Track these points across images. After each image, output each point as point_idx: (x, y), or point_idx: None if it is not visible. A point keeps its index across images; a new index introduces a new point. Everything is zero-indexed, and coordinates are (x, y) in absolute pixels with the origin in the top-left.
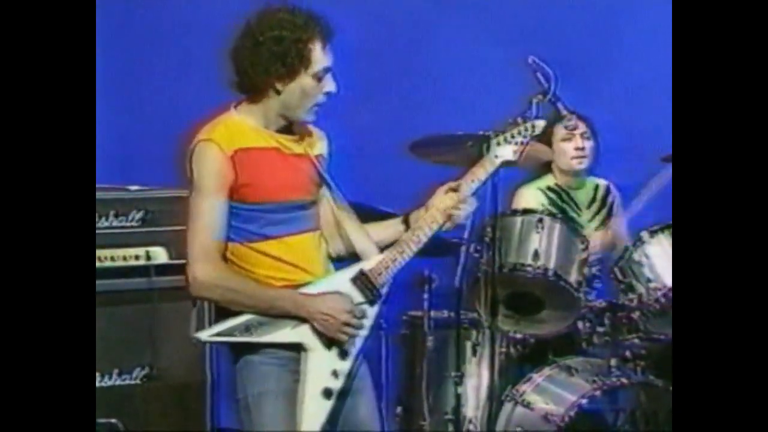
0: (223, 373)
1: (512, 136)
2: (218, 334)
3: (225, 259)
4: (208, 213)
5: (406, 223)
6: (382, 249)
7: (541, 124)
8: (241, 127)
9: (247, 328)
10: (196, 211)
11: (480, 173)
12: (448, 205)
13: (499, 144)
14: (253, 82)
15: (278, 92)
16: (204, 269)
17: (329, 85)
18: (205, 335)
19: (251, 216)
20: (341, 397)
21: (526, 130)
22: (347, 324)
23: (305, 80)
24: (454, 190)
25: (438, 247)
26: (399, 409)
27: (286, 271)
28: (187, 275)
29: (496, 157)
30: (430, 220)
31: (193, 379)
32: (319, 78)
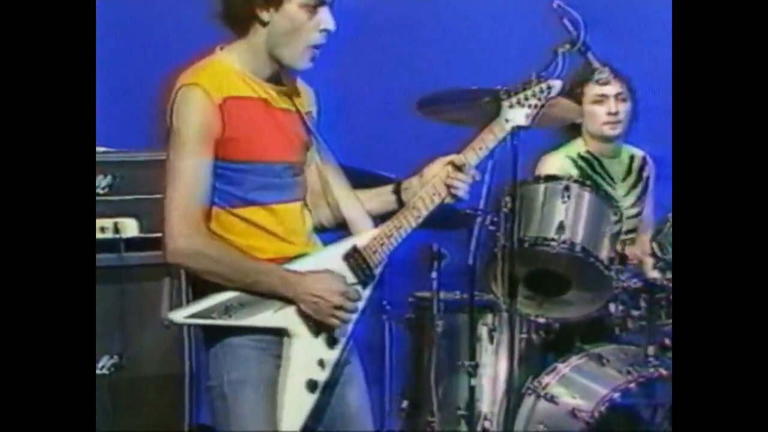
0: (204, 362)
1: (525, 98)
2: (194, 316)
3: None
4: (192, 170)
5: (398, 192)
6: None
7: (557, 84)
8: (228, 71)
9: (226, 310)
10: (178, 167)
11: (489, 140)
12: (449, 176)
13: (511, 107)
14: (235, 10)
15: (263, 23)
16: (185, 235)
17: (325, 21)
18: (179, 316)
19: (236, 177)
20: (327, 389)
21: (542, 91)
22: (340, 307)
23: (292, 9)
24: (456, 166)
25: (449, 218)
26: (404, 404)
27: (271, 242)
28: (164, 241)
29: (507, 121)
30: (431, 192)
31: (169, 370)
32: (309, 9)
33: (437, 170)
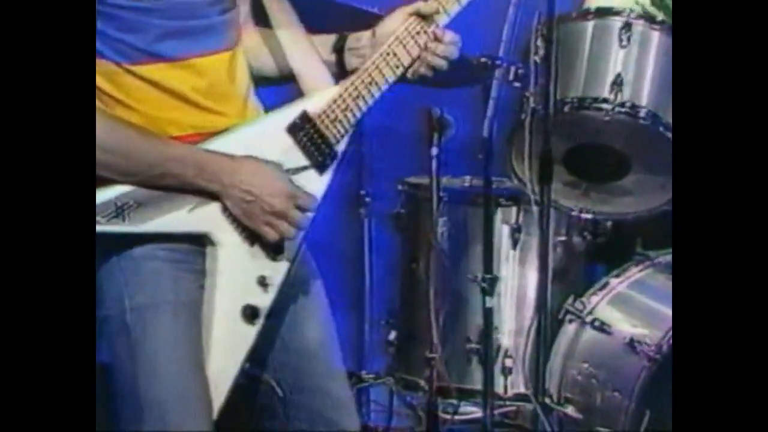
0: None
1: None
2: None
3: None
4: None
5: (340, 51)
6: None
7: None
8: None
9: (118, 212)
10: None
11: None
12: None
13: None
14: None
15: None
16: None
17: None
18: None
19: (135, 18)
20: (274, 317)
21: None
22: (281, 214)
23: None
24: (423, 16)
25: (454, 70)
26: (392, 335)
27: (189, 112)
28: None
29: None
30: (382, 61)
31: None
32: None
33: (397, 25)
